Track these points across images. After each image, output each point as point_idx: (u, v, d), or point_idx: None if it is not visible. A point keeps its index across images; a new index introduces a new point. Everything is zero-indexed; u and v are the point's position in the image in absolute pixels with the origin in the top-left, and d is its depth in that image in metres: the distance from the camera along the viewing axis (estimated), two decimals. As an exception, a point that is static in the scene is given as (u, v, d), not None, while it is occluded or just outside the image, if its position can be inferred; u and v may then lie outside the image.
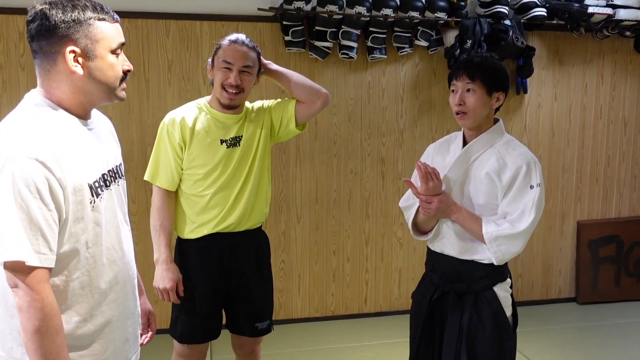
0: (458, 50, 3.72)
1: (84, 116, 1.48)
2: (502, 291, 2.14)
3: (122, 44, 1.46)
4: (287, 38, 3.57)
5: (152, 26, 3.51)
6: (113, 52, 1.43)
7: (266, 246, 2.57)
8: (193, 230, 2.39)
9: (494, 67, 2.09)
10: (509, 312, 2.13)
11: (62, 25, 1.35)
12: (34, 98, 1.43)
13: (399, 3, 3.61)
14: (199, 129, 2.32)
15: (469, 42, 3.67)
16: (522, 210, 2.02)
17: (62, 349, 1.35)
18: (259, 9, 3.52)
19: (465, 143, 2.17)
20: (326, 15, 3.48)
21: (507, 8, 3.76)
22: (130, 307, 1.62)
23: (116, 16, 1.46)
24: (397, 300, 4.10)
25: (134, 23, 3.48)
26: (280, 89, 3.64)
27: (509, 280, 2.18)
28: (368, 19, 3.56)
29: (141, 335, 1.78)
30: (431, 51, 3.84)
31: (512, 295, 2.18)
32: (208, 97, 2.42)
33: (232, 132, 2.35)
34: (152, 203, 2.39)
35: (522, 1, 3.78)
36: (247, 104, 2.46)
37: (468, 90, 2.06)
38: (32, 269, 1.30)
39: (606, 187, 4.35)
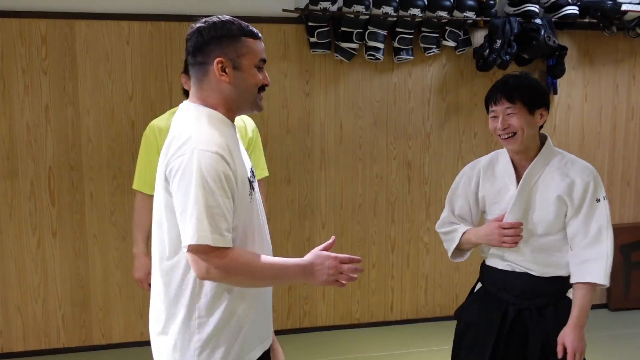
0: (487, 51, 3.62)
1: (232, 121, 1.67)
2: (571, 294, 2.10)
3: (264, 61, 1.64)
4: (313, 39, 3.48)
5: (174, 29, 3.44)
6: (256, 66, 1.61)
7: None
8: None
9: (530, 85, 2.03)
10: None
11: (213, 41, 1.57)
12: (196, 104, 1.61)
13: (426, 3, 3.52)
14: None
15: (499, 41, 3.57)
16: (598, 230, 1.99)
17: (279, 264, 1.56)
18: (283, 10, 3.44)
19: (514, 165, 2.12)
20: (352, 15, 3.40)
21: (537, 6, 3.66)
22: (268, 301, 1.76)
23: (259, 34, 1.64)
24: (423, 308, 3.99)
25: (156, 26, 3.42)
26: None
27: None
28: (395, 19, 3.48)
29: None
30: (459, 52, 3.74)
31: None
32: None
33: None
34: (134, 205, 2.59)
35: (553, -1, 3.67)
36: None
37: (509, 114, 2.01)
38: (218, 251, 1.46)
39: (638, 190, 4.22)
